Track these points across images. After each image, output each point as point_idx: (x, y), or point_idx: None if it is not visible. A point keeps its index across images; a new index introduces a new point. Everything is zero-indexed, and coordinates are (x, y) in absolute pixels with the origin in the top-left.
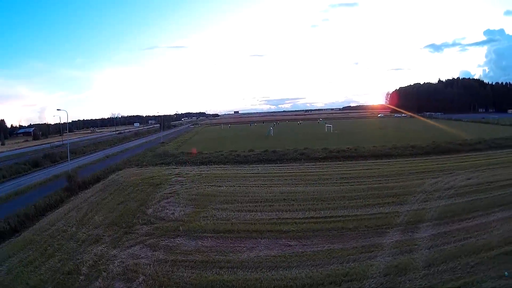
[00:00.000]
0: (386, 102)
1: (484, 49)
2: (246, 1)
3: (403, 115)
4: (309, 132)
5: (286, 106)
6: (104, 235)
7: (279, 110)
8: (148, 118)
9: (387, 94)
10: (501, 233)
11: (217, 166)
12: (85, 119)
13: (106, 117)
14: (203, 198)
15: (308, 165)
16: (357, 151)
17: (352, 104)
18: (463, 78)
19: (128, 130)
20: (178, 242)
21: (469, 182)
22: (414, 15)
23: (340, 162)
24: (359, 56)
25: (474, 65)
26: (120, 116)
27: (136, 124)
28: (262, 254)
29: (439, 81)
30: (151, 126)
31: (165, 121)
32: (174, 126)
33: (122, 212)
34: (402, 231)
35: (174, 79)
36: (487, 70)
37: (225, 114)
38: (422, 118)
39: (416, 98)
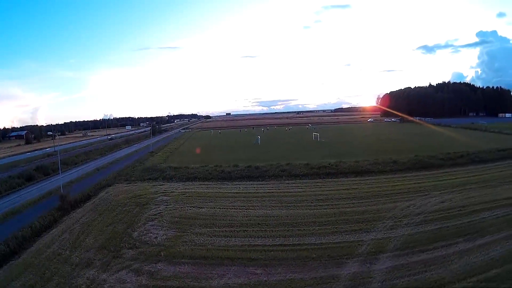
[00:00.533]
0: (377, 104)
1: (476, 50)
2: (239, 3)
3: (393, 119)
4: (296, 141)
5: (278, 108)
6: (95, 259)
7: (271, 112)
8: (140, 120)
9: (378, 97)
10: (457, 268)
11: (201, 183)
12: (77, 120)
13: (98, 119)
14: (184, 221)
15: (289, 183)
16: (338, 168)
17: (344, 106)
18: (454, 82)
19: (120, 134)
20: (159, 267)
21: (441, 207)
22: (406, 16)
23: (320, 180)
24: (351, 57)
25: (467, 66)
26: (112, 118)
27: (128, 127)
28: (230, 282)
29: (430, 85)
30: (142, 130)
31: (156, 126)
32: (165, 130)
33: (111, 235)
34: (361, 262)
35: (167, 80)
36: (479, 72)
37: (217, 116)
38: (419, 122)
39: (406, 102)
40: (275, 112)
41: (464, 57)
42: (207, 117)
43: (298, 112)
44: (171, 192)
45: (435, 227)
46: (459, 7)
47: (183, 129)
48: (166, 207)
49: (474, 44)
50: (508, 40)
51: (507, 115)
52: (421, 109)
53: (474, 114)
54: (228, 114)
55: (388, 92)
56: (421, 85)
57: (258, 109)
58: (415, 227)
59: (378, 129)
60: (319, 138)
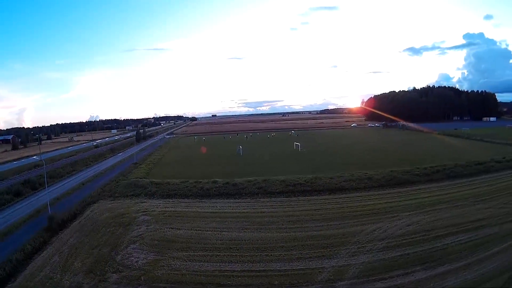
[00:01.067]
0: (362, 106)
1: (463, 52)
2: (226, 5)
3: (376, 124)
4: (277, 151)
5: (264, 109)
6: (83, 283)
7: (257, 113)
8: (126, 122)
9: (363, 101)
10: None
11: (181, 200)
12: (64, 122)
13: (84, 121)
14: (163, 245)
15: (264, 201)
16: (313, 185)
17: (330, 107)
18: (439, 87)
19: (106, 139)
20: None
21: (406, 231)
22: (393, 19)
23: (294, 199)
24: (337, 59)
25: (453, 68)
26: (98, 120)
27: (114, 131)
28: None
29: (414, 89)
30: (128, 135)
31: (140, 133)
32: (150, 136)
33: (97, 258)
34: None
35: (153, 81)
36: (466, 73)
37: (203, 117)
38: (401, 128)
39: (391, 107)
40: (261, 114)
41: (451, 59)
42: (193, 119)
43: (284, 114)
44: (152, 211)
45: (396, 254)
46: (447, 9)
47: (168, 134)
48: (147, 228)
49: (461, 46)
50: (495, 42)
51: (491, 119)
52: (405, 114)
53: (459, 118)
54: (214, 115)
55: (373, 96)
56: (406, 89)
57: (244, 110)
58: (377, 253)
59: (360, 136)
60: (300, 148)
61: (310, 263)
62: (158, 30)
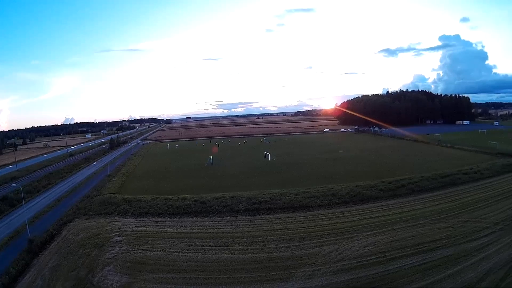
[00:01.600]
0: (336, 108)
1: (439, 53)
2: (201, 6)
3: (349, 129)
4: (248, 160)
5: (239, 110)
6: None
7: (232, 115)
8: (101, 125)
9: (336, 105)
10: None
11: (152, 219)
12: (39, 125)
13: (59, 123)
14: (134, 267)
15: (230, 220)
16: (278, 202)
17: (305, 108)
18: (412, 91)
19: (80, 145)
20: None
21: (362, 252)
22: (370, 20)
23: (259, 217)
24: (313, 60)
25: (429, 69)
26: (73, 123)
27: (88, 136)
28: None
29: (388, 93)
30: (102, 140)
31: (114, 140)
32: (124, 142)
33: (75, 282)
34: None
35: (129, 82)
36: (441, 74)
37: (177, 120)
38: (373, 133)
39: (364, 111)
40: (236, 115)
41: (426, 60)
42: (168, 121)
43: (258, 117)
44: (124, 231)
45: (349, 277)
46: (423, 12)
47: (142, 140)
48: (120, 249)
49: (437, 48)
50: (471, 44)
51: (465, 122)
52: (378, 118)
53: (432, 122)
54: (188, 118)
55: (346, 100)
56: (381, 90)
57: (219, 111)
58: (330, 276)
59: (331, 143)
60: (270, 158)
61: (268, 286)
62: (134, 30)
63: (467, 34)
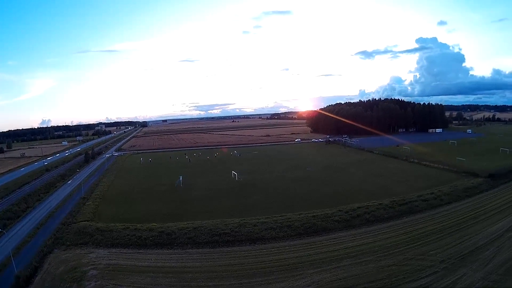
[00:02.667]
0: (307, 122)
1: (416, 56)
2: (178, 7)
3: (320, 139)
4: (216, 179)
5: (216, 112)
6: None
7: (208, 116)
8: (77, 128)
9: (308, 114)
10: None
11: (122, 251)
12: (16, 129)
13: (36, 126)
14: None
15: (192, 253)
16: (237, 234)
17: (282, 109)
18: (385, 99)
19: (56, 156)
20: None
21: None
22: (347, 23)
23: (217, 250)
24: (289, 62)
25: (405, 71)
26: (50, 126)
27: (64, 143)
28: None
29: (360, 101)
30: (77, 149)
31: (89, 154)
32: (99, 153)
33: None
34: None
35: (106, 84)
36: (418, 76)
37: (154, 121)
38: (343, 145)
39: (335, 120)
40: (212, 118)
41: (403, 62)
42: (144, 124)
43: (233, 120)
44: (99, 264)
45: None
46: (401, 15)
47: (117, 150)
48: (95, 284)
49: (414, 50)
50: (448, 46)
51: (437, 130)
52: (350, 127)
53: (404, 130)
54: (164, 121)
55: (319, 109)
56: (356, 94)
57: (195, 113)
58: None
59: (300, 157)
60: (237, 177)
61: None
62: (111, 32)
63: (445, 37)
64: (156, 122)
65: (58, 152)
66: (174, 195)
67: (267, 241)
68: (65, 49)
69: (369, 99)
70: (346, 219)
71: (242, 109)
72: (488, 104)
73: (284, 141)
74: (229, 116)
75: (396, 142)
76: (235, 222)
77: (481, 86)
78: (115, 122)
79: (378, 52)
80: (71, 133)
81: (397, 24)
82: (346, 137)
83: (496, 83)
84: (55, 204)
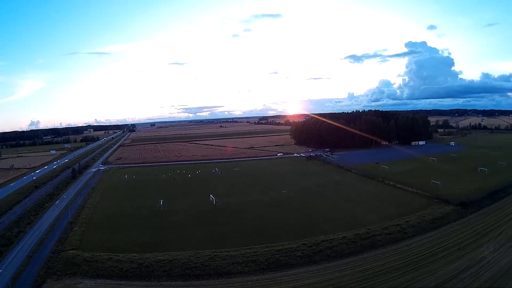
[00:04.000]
0: (292, 130)
1: (405, 60)
2: (168, 10)
3: (302, 154)
4: (195, 202)
5: (204, 115)
6: None
7: (197, 119)
8: (66, 132)
9: (292, 125)
10: None
11: (107, 282)
12: (4, 131)
13: (26, 127)
14: None
15: (166, 285)
16: (207, 268)
17: (271, 112)
18: (369, 111)
19: (45, 169)
20: None
21: None
22: (337, 27)
23: (189, 283)
24: (279, 65)
25: (394, 74)
26: (38, 129)
27: (53, 152)
28: None
29: (344, 113)
30: (65, 160)
31: (76, 170)
32: (87, 167)
33: None
34: None
35: (95, 86)
36: (407, 80)
37: (142, 124)
38: (323, 162)
39: (318, 134)
40: (200, 121)
41: (392, 66)
42: (132, 128)
43: (221, 125)
44: None
45: None
46: (390, 19)
47: (103, 164)
48: None
49: (403, 54)
50: (437, 50)
51: (420, 143)
52: (333, 140)
53: (387, 143)
54: (152, 125)
55: (301, 122)
56: (345, 97)
57: (184, 115)
58: None
59: (278, 176)
60: (215, 201)
61: None
62: (101, 34)
63: (434, 41)
64: (144, 126)
65: (46, 163)
66: (154, 221)
67: (233, 275)
68: (54, 50)
69: (353, 111)
70: (308, 254)
71: (230, 112)
72: (476, 108)
73: (267, 156)
74: (218, 119)
75: (377, 157)
76: (206, 255)
77: (470, 89)
78: (103, 125)
79: (367, 56)
80: (59, 138)
81: (386, 29)
82: (329, 150)
83: (485, 87)
84: (44, 229)
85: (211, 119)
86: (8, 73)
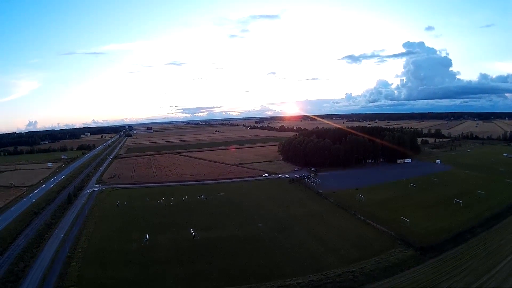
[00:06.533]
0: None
1: (402, 60)
2: (165, 10)
3: (286, 175)
4: (176, 237)
5: (202, 115)
6: None
7: (194, 120)
8: (63, 136)
9: (280, 143)
10: None
11: None
12: (2, 132)
13: (23, 128)
14: None
15: None
16: None
17: (268, 113)
18: (357, 127)
19: (42, 189)
20: None
21: None
22: (334, 28)
23: None
24: (276, 66)
25: (392, 75)
26: (36, 131)
27: (50, 165)
28: None
29: (330, 132)
30: (62, 177)
31: (71, 194)
32: (82, 187)
33: None
34: None
35: (93, 86)
36: (404, 80)
37: (140, 126)
38: (305, 185)
39: (303, 153)
40: (198, 122)
41: (390, 67)
42: (129, 132)
43: (217, 130)
44: None
45: None
46: (388, 20)
47: (97, 183)
48: None
49: (401, 55)
50: (435, 51)
51: (406, 160)
52: (318, 159)
53: (373, 161)
54: (149, 128)
55: (289, 141)
56: (343, 97)
57: (181, 116)
58: None
59: (258, 203)
60: (194, 236)
61: None
62: (97, 34)
63: (432, 42)
64: (142, 127)
65: (44, 180)
66: (138, 257)
67: None
68: (50, 50)
69: (340, 127)
70: None
71: (228, 112)
72: (473, 110)
73: (253, 176)
74: (215, 120)
75: (359, 180)
76: None
77: (468, 90)
78: (101, 126)
79: (365, 57)
80: (56, 144)
81: (384, 29)
82: (314, 169)
83: (482, 87)
84: (46, 263)
85: (208, 120)
86: (4, 73)
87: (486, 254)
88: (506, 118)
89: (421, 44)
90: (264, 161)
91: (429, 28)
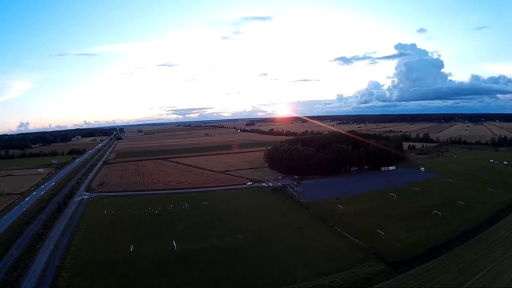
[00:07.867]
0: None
1: (394, 62)
2: (157, 11)
3: (270, 184)
4: (159, 247)
5: (193, 116)
6: None
7: (186, 121)
8: (55, 138)
9: (266, 149)
10: None
11: None
12: None
13: (14, 131)
14: None
15: None
16: None
17: (260, 114)
18: (342, 134)
19: (33, 196)
20: None
21: None
22: (326, 29)
23: None
24: (268, 67)
25: (384, 76)
26: (27, 132)
27: (40, 170)
28: None
29: (314, 139)
30: (51, 184)
31: (60, 203)
32: (72, 194)
33: None
34: None
35: (84, 87)
36: (396, 81)
37: (131, 126)
38: (288, 194)
39: (288, 161)
40: (188, 125)
41: (382, 68)
42: (119, 135)
43: (207, 133)
44: None
45: None
46: (380, 22)
47: (86, 190)
48: None
49: (392, 56)
50: (427, 53)
51: (390, 168)
52: (302, 168)
53: (357, 169)
54: (140, 131)
55: (274, 148)
56: (334, 98)
57: (173, 117)
58: None
59: (238, 216)
60: (176, 248)
61: None
62: (89, 35)
63: (424, 44)
64: (132, 129)
65: (34, 187)
66: (125, 268)
67: None
68: (43, 51)
69: (325, 135)
70: None
71: (219, 114)
72: (464, 113)
73: (237, 184)
74: (206, 121)
75: (340, 189)
76: None
77: (459, 91)
78: (92, 128)
79: (356, 58)
80: (47, 148)
81: (376, 31)
82: (298, 177)
83: (474, 89)
84: (38, 273)
85: (200, 121)
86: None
87: (458, 270)
88: (497, 120)
89: (413, 46)
90: (250, 168)
91: (421, 30)
